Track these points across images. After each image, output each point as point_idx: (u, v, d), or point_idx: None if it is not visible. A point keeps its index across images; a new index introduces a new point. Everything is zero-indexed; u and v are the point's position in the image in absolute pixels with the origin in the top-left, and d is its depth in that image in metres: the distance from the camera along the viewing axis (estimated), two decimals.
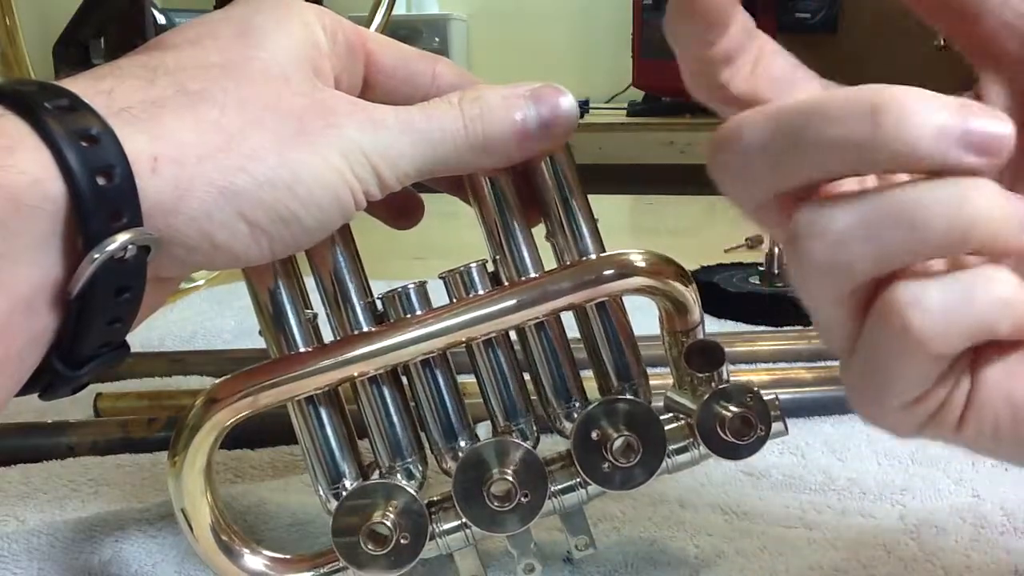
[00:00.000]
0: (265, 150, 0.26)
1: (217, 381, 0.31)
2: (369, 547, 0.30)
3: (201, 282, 0.79)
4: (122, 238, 0.24)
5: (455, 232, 0.67)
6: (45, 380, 0.26)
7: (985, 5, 0.24)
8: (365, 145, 0.28)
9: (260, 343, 0.32)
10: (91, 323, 0.25)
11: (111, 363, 0.27)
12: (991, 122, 0.21)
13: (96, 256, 0.23)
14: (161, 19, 0.79)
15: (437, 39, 2.40)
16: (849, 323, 0.23)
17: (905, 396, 0.23)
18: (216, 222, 0.26)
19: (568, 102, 0.30)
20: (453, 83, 0.32)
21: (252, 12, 0.29)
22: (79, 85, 0.25)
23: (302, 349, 0.31)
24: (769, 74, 0.25)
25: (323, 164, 0.27)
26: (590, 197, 0.32)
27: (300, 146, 0.27)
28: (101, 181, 0.23)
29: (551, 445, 0.33)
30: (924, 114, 0.21)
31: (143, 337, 0.63)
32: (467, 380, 0.33)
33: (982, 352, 0.23)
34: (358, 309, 0.31)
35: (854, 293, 0.23)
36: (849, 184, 0.24)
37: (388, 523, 0.30)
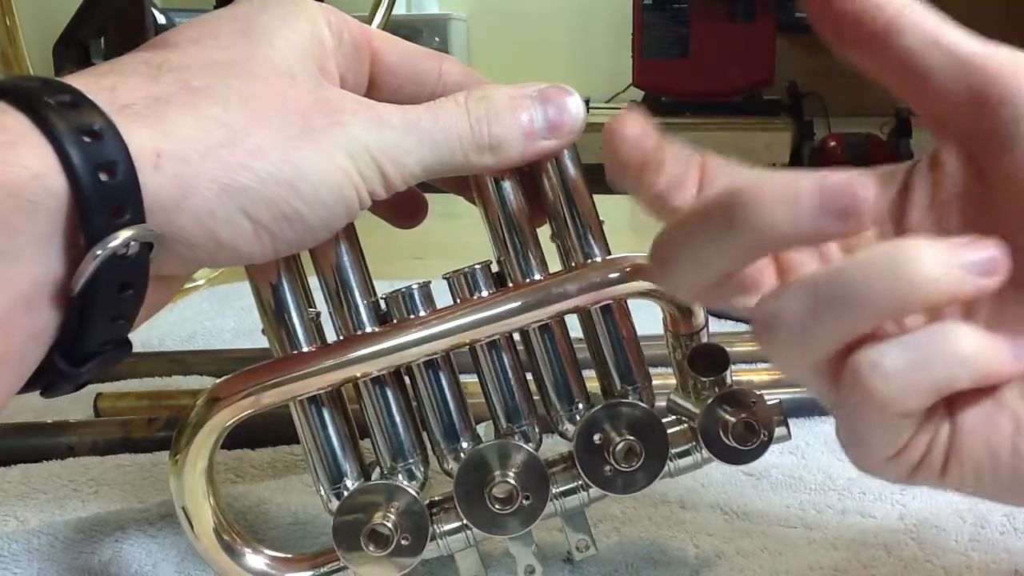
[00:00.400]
0: (269, 147, 0.26)
1: (219, 380, 0.31)
2: (370, 547, 0.30)
3: (201, 282, 0.79)
4: (124, 235, 0.23)
5: (456, 232, 0.67)
6: (47, 378, 0.25)
7: (922, 54, 0.25)
8: (370, 144, 0.27)
9: (261, 343, 0.32)
10: (93, 320, 0.25)
11: (113, 361, 0.27)
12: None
13: (98, 253, 0.23)
14: (161, 19, 0.79)
15: (437, 39, 2.40)
16: (826, 389, 0.25)
17: (885, 451, 0.24)
18: (219, 219, 0.25)
19: (575, 103, 0.30)
20: (459, 82, 0.32)
21: (257, 10, 0.29)
22: (81, 82, 0.25)
23: (305, 348, 0.31)
24: (714, 185, 0.28)
25: (328, 162, 0.27)
26: (594, 198, 0.32)
27: (305, 144, 0.26)
28: (103, 177, 0.23)
29: (552, 446, 0.34)
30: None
31: (143, 337, 0.63)
32: (469, 380, 0.33)
33: (957, 400, 0.24)
34: (361, 309, 0.31)
35: (822, 364, 0.24)
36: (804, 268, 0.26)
37: (389, 524, 0.30)
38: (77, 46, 0.80)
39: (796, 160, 2.34)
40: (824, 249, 0.27)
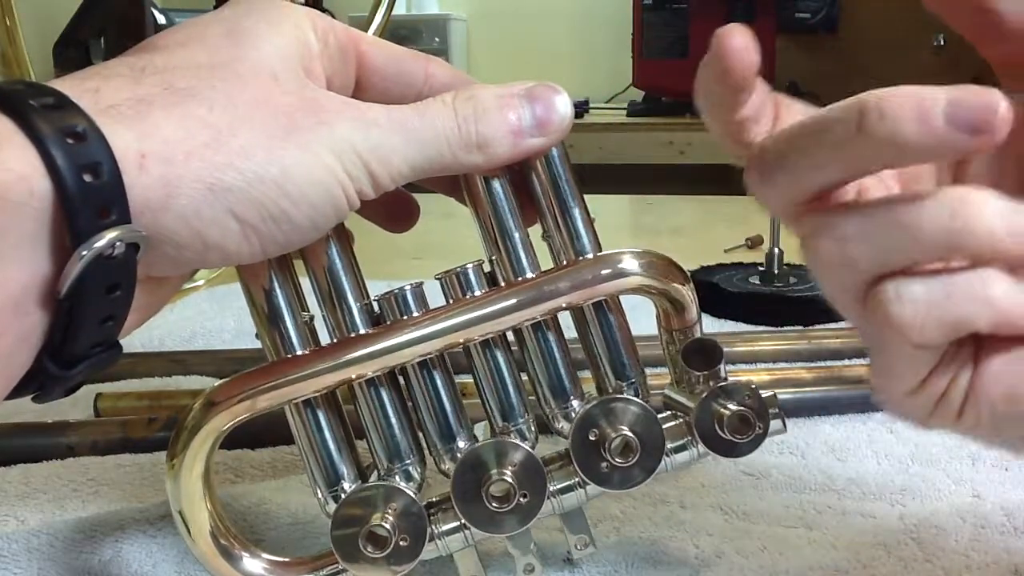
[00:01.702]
0: (254, 147, 0.26)
1: (215, 384, 0.31)
2: (368, 549, 0.30)
3: (201, 282, 0.79)
4: (110, 235, 0.23)
5: (453, 232, 0.68)
6: (37, 382, 0.25)
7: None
8: (357, 143, 0.27)
9: (260, 343, 0.32)
10: (82, 322, 0.24)
11: (104, 364, 0.27)
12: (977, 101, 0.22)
13: (84, 253, 0.23)
14: (161, 19, 0.79)
15: (437, 39, 2.40)
16: (858, 315, 0.25)
17: (905, 384, 0.25)
18: (206, 219, 0.25)
19: (563, 101, 0.30)
20: (446, 83, 0.32)
21: (242, 14, 0.29)
22: (66, 85, 0.25)
23: (299, 352, 0.31)
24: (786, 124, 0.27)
25: (314, 162, 0.27)
26: (590, 197, 0.32)
27: (290, 144, 0.26)
28: (88, 178, 0.23)
29: (550, 445, 0.34)
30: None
31: (143, 337, 0.63)
32: (464, 380, 0.33)
33: (985, 345, 0.24)
34: (355, 311, 0.31)
35: (861, 288, 0.24)
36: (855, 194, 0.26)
37: (387, 525, 0.30)
38: (77, 46, 0.80)
39: None
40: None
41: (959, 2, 0.26)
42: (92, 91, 0.25)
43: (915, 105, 0.22)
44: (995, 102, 0.22)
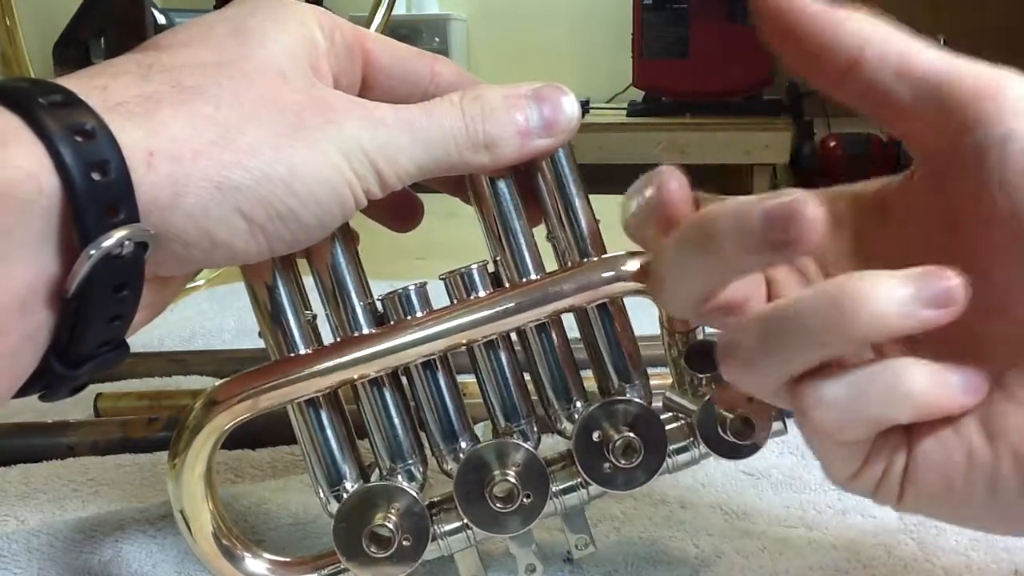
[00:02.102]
0: (262, 145, 0.26)
1: (217, 383, 0.31)
2: (372, 549, 0.30)
3: (201, 282, 0.79)
4: (118, 234, 0.23)
5: (458, 232, 0.67)
6: (44, 381, 0.25)
7: (888, 85, 0.25)
8: (365, 142, 0.27)
9: (261, 343, 0.32)
10: (89, 321, 0.24)
11: (111, 364, 0.27)
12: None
13: (92, 252, 0.23)
14: (161, 19, 0.79)
15: (437, 39, 2.40)
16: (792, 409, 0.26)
17: (842, 472, 0.26)
18: (214, 218, 0.25)
19: (570, 102, 0.30)
20: (452, 82, 0.32)
21: (248, 12, 0.29)
22: (73, 82, 0.25)
23: (302, 351, 0.31)
24: None
25: (322, 160, 0.27)
26: (591, 197, 0.32)
27: (298, 142, 0.26)
28: (96, 176, 0.23)
29: (552, 446, 0.34)
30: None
31: (143, 337, 0.63)
32: (467, 380, 0.33)
33: (916, 429, 0.25)
34: (358, 310, 0.31)
35: (782, 390, 0.25)
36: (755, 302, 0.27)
37: (390, 525, 0.30)
38: (77, 46, 0.79)
39: (796, 160, 2.34)
40: (808, 273, 0.28)
41: (847, 88, 0.26)
42: (100, 88, 0.25)
43: (734, 220, 0.24)
44: (802, 208, 0.22)
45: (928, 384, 0.24)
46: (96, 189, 0.23)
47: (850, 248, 0.28)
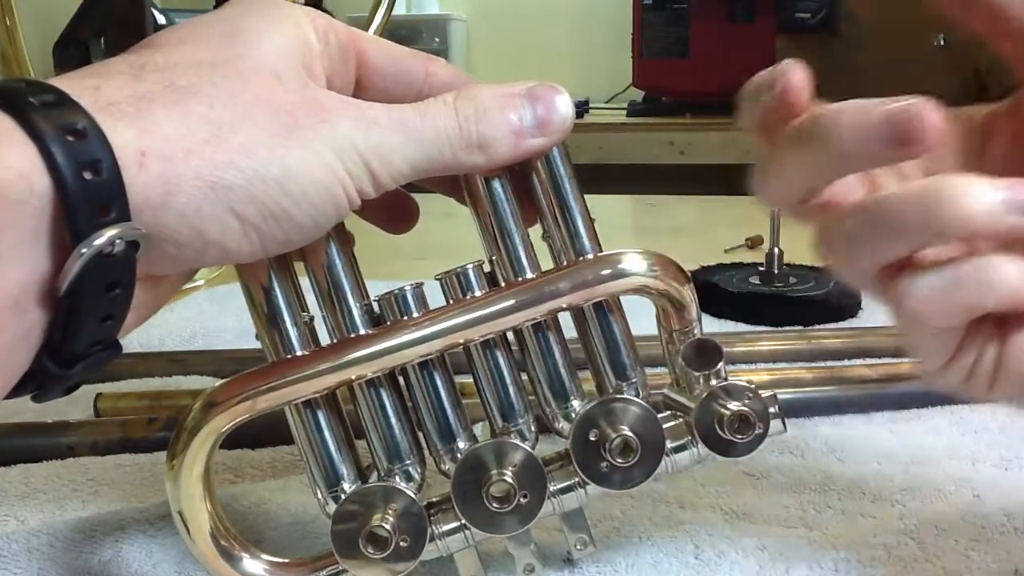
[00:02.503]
0: (255, 145, 0.26)
1: (215, 385, 0.31)
2: (369, 550, 0.30)
3: (201, 282, 0.79)
4: (110, 233, 0.23)
5: (455, 232, 0.67)
6: (37, 380, 0.25)
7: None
8: (358, 142, 0.27)
9: (260, 344, 0.32)
10: (82, 320, 0.24)
11: (103, 363, 0.27)
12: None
13: (84, 251, 0.23)
14: (161, 19, 0.79)
15: (437, 39, 2.40)
16: (883, 300, 0.28)
17: (934, 361, 0.28)
18: (206, 217, 0.25)
19: (564, 101, 0.30)
20: (447, 82, 0.32)
21: (242, 13, 0.29)
22: (65, 83, 0.25)
23: (299, 352, 0.31)
24: None
25: (315, 160, 0.27)
26: (591, 197, 0.32)
27: (292, 142, 0.26)
28: (88, 175, 0.23)
29: (550, 446, 0.33)
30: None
31: (143, 337, 0.63)
32: (464, 380, 0.33)
33: (1010, 321, 0.26)
34: (355, 312, 0.31)
35: (877, 276, 0.27)
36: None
37: (388, 525, 0.30)
38: (77, 46, 0.79)
39: None
40: (906, 173, 0.30)
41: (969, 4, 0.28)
42: (92, 88, 0.25)
43: (854, 120, 0.25)
44: (924, 115, 0.24)
45: (1017, 274, 0.25)
46: (87, 188, 0.23)
47: (956, 166, 0.30)
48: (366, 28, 0.88)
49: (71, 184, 0.23)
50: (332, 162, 0.27)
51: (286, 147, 0.26)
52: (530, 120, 0.30)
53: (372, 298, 0.32)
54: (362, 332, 0.31)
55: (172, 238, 0.25)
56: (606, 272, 0.31)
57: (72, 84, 0.25)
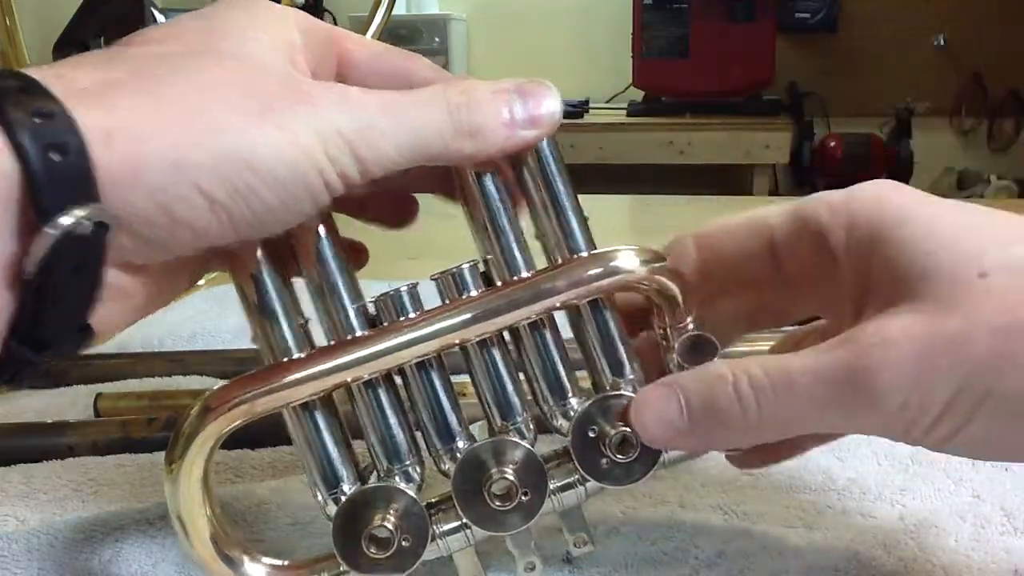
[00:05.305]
0: (225, 124, 0.26)
1: (212, 389, 0.30)
2: (371, 550, 0.30)
3: (202, 282, 0.79)
4: (77, 213, 0.23)
5: (451, 232, 0.67)
6: (9, 368, 0.25)
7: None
8: (343, 125, 0.27)
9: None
10: (51, 303, 0.24)
11: (74, 348, 0.27)
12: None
13: (51, 232, 0.23)
14: (161, 19, 0.79)
15: (437, 39, 2.40)
16: None
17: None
18: (172, 195, 0.25)
19: (553, 97, 0.30)
20: (429, 79, 0.32)
21: (223, 11, 0.29)
22: (35, 71, 0.25)
23: (295, 355, 0.31)
24: None
25: (288, 140, 0.26)
26: (590, 197, 0.32)
27: (266, 123, 0.26)
28: (54, 157, 0.23)
29: (549, 444, 0.33)
30: None
31: (143, 337, 0.63)
32: (462, 380, 0.33)
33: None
34: (350, 313, 0.31)
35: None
36: None
37: (389, 526, 0.30)
38: (77, 46, 0.79)
39: (796, 160, 2.34)
40: None
41: None
42: (61, 76, 0.25)
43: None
44: None
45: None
46: (54, 169, 0.23)
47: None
48: (366, 28, 0.88)
49: (37, 165, 0.23)
50: (309, 143, 0.27)
51: (259, 127, 0.26)
52: (520, 113, 0.30)
53: (367, 299, 0.32)
54: (358, 334, 0.31)
55: (140, 217, 0.25)
56: (600, 269, 0.31)
57: (42, 72, 0.25)
